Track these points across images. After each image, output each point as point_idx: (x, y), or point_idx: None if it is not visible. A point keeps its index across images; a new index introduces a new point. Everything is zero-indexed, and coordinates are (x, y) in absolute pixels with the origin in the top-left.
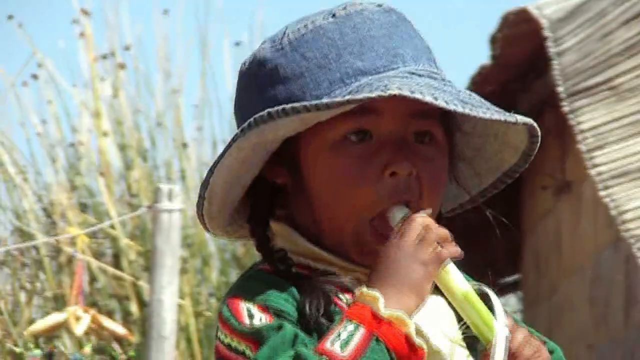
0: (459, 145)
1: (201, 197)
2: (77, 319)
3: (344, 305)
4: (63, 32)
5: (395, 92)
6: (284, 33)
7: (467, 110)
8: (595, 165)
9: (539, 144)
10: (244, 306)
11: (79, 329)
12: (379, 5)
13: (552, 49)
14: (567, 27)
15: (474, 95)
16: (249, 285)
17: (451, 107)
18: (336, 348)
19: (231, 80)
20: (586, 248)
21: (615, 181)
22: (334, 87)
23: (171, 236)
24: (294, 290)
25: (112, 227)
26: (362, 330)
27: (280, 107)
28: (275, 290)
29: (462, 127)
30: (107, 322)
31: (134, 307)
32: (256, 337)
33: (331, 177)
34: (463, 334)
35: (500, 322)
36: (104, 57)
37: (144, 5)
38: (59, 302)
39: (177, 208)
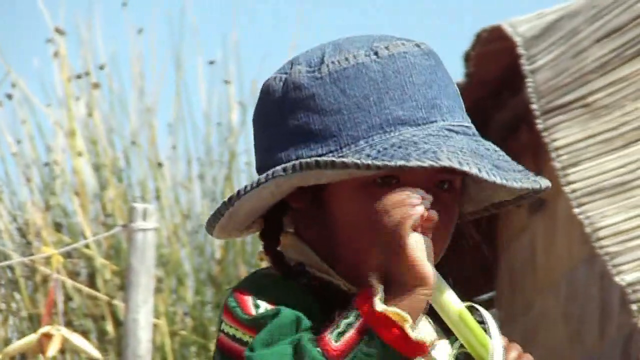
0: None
1: (220, 214)
2: (49, 337)
3: None
4: (37, 51)
5: (446, 163)
6: (322, 61)
7: (503, 182)
8: (570, 183)
9: (538, 195)
10: (250, 298)
11: (51, 351)
12: (418, 46)
13: (526, 67)
14: (540, 44)
15: (498, 150)
16: (259, 282)
17: (491, 178)
18: (332, 337)
19: (205, 98)
20: (561, 264)
21: (590, 198)
22: (372, 132)
23: (146, 255)
24: (308, 297)
25: (87, 246)
26: (360, 322)
27: (330, 160)
28: (287, 290)
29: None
30: (78, 340)
31: (109, 327)
32: (256, 325)
33: (356, 217)
34: (458, 353)
35: (496, 341)
36: (79, 76)
37: (118, 25)
38: (34, 322)
39: (152, 227)
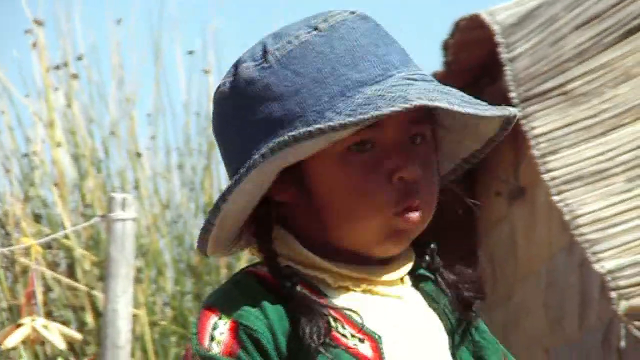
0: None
1: (210, 224)
2: (18, 326)
3: (338, 335)
4: (16, 42)
5: (418, 102)
6: (266, 50)
7: (479, 112)
8: (549, 170)
9: (509, 131)
10: (211, 322)
11: (9, 341)
12: (353, 13)
13: (504, 55)
14: (519, 32)
15: (464, 93)
16: (232, 295)
17: (465, 110)
18: None
19: (184, 88)
20: (541, 252)
21: (569, 186)
22: (335, 101)
23: (125, 245)
24: (280, 308)
25: (67, 237)
26: None
27: (306, 130)
28: (257, 306)
29: (443, 122)
30: (47, 333)
31: (89, 317)
32: None
33: (340, 188)
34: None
35: None
36: (57, 67)
37: (97, 15)
38: (14, 313)
39: (131, 217)
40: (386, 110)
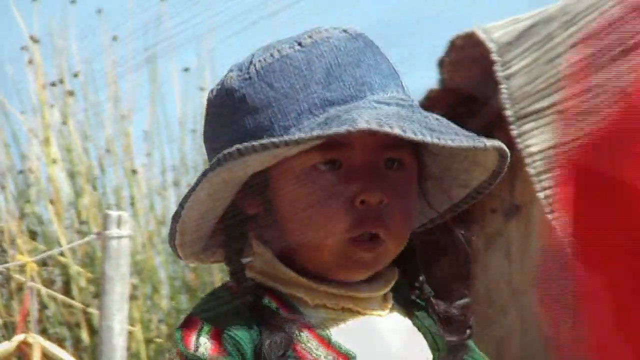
0: (428, 165)
1: (173, 230)
2: (27, 344)
3: (303, 349)
4: (11, 58)
5: (364, 126)
6: (251, 62)
7: (434, 140)
8: (544, 189)
9: (508, 163)
10: (194, 334)
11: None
12: (345, 31)
13: (500, 73)
14: (514, 50)
15: (442, 119)
16: (211, 304)
17: (419, 137)
18: None
19: (180, 105)
20: (535, 270)
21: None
22: (302, 118)
23: (120, 263)
24: (253, 321)
25: (62, 254)
26: None
27: (250, 144)
28: (235, 315)
29: (431, 149)
30: (56, 349)
31: (84, 335)
32: None
33: (298, 206)
34: None
35: None
36: (53, 84)
37: (93, 32)
38: (9, 330)
39: (126, 234)
40: (330, 131)
